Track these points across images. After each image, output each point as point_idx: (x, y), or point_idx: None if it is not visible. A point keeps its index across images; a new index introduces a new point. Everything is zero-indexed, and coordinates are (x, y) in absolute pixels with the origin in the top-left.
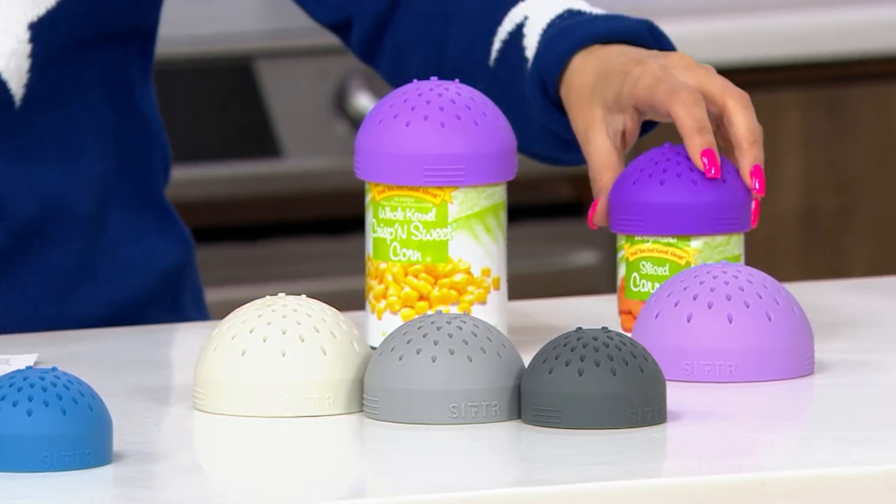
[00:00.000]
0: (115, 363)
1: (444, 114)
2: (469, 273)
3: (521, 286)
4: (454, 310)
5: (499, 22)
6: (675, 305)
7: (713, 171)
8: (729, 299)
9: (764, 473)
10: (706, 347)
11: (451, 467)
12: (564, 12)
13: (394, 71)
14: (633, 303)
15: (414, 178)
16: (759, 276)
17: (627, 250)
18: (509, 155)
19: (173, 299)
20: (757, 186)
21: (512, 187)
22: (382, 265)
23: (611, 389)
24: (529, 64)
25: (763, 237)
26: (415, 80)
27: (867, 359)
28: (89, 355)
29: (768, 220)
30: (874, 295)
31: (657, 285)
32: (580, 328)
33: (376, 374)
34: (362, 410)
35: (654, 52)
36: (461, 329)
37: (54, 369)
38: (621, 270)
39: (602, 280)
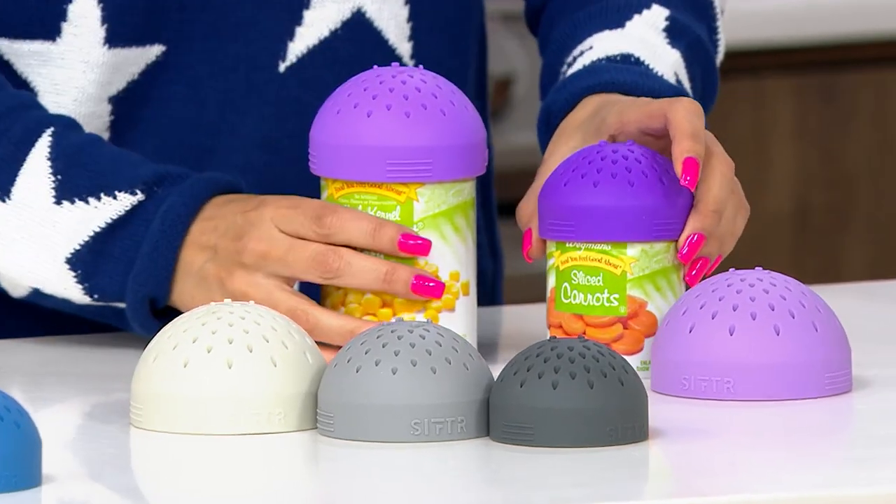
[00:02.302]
0: (44, 376)
1: (408, 103)
2: (436, 277)
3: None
4: (420, 318)
5: (580, 41)
6: (713, 318)
7: (687, 180)
8: (773, 309)
9: (749, 495)
10: (745, 362)
11: (412, 490)
12: (619, 55)
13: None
14: (564, 316)
15: (376, 174)
16: (782, 281)
17: (558, 258)
18: (479, 148)
19: None
20: (688, 179)
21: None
22: None
23: (587, 404)
24: (545, 95)
25: (750, 237)
26: (375, 66)
27: (869, 375)
28: (15, 367)
29: (757, 218)
30: (873, 301)
31: (590, 297)
32: (554, 337)
33: (331, 387)
34: (316, 427)
35: None
36: (424, 338)
37: None
38: (551, 280)
39: None
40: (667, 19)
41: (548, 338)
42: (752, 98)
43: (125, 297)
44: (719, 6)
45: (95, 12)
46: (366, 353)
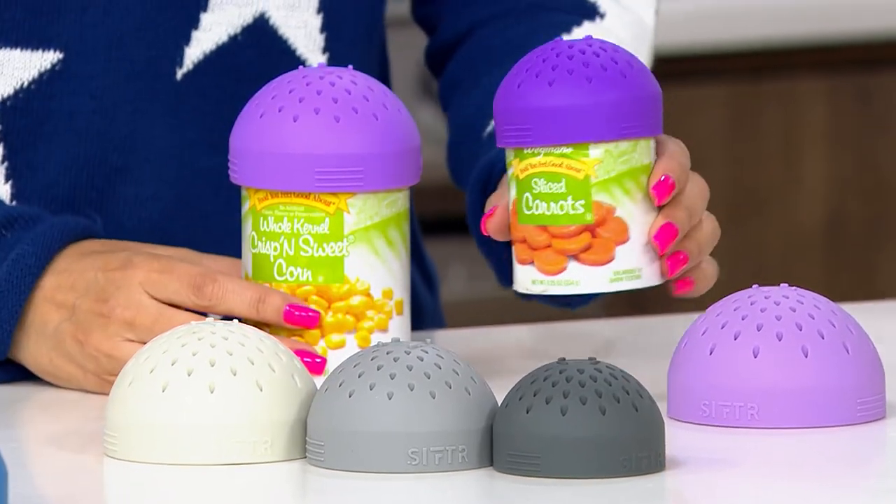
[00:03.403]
0: (11, 402)
1: (337, 106)
2: (368, 295)
3: (492, 310)
4: (350, 339)
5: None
6: (736, 338)
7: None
8: (800, 329)
9: None
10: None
11: None
12: None
13: (443, 99)
14: (528, 228)
15: (303, 183)
16: (811, 298)
17: (517, 167)
18: (414, 155)
19: None
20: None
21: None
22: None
23: (599, 431)
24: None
25: (780, 250)
26: (301, 67)
27: None
28: None
29: (786, 229)
30: None
31: (553, 205)
32: (563, 359)
33: (322, 413)
34: (305, 457)
35: None
36: (422, 360)
37: None
38: (512, 192)
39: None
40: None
41: (586, 357)
42: (783, 99)
43: None
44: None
45: None
46: (359, 376)
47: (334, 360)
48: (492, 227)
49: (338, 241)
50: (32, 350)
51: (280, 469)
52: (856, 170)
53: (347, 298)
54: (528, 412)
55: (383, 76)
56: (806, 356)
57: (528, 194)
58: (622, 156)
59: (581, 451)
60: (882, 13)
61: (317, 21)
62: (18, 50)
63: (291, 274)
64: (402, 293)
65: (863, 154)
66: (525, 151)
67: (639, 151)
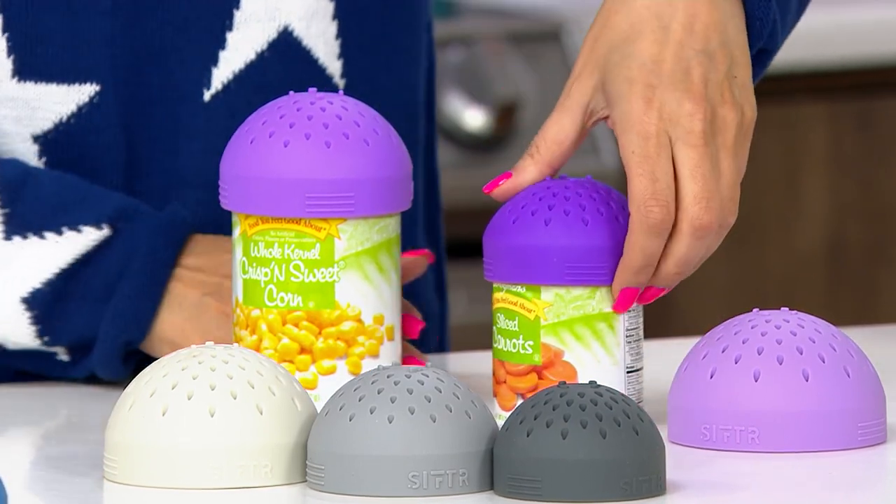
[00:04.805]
0: (10, 424)
1: (328, 132)
2: (359, 321)
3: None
4: (341, 364)
5: None
6: (737, 362)
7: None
8: (801, 353)
9: None
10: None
11: None
12: None
13: None
14: (494, 361)
15: (294, 209)
16: (811, 322)
17: (493, 299)
18: (405, 181)
19: None
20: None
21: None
22: (255, 312)
23: (600, 455)
24: None
25: (781, 274)
26: (291, 92)
27: None
28: None
29: (788, 253)
30: None
31: (508, 343)
32: (563, 382)
33: (322, 437)
34: (305, 480)
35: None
36: (423, 383)
37: None
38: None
39: None
40: None
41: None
42: (783, 124)
43: (95, 339)
44: None
45: (0, 43)
46: (359, 399)
47: (325, 385)
48: (497, 192)
49: (328, 266)
50: (164, 319)
51: (280, 493)
52: (856, 194)
53: (338, 324)
54: (528, 435)
55: (425, 79)
56: (807, 380)
57: (494, 328)
58: (574, 301)
59: (582, 475)
60: (882, 38)
61: (332, 28)
62: (55, 85)
63: (282, 300)
64: (393, 319)
65: (863, 179)
66: (495, 285)
67: (597, 299)
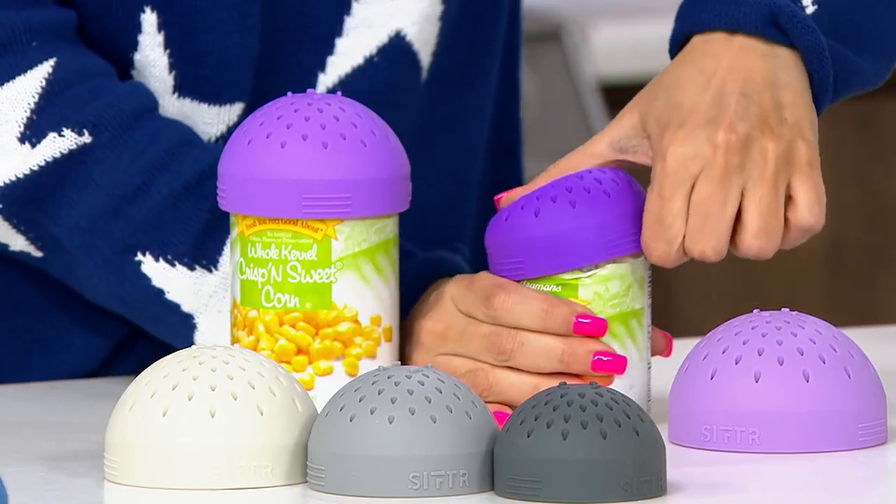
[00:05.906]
0: (10, 424)
1: (326, 133)
2: (356, 322)
3: None
4: (338, 365)
5: None
6: (737, 363)
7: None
8: (802, 354)
9: None
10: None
11: None
12: None
13: None
14: None
15: (291, 210)
16: (812, 323)
17: None
18: (402, 181)
19: None
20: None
21: None
22: (252, 313)
23: (600, 455)
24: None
25: (781, 275)
26: (289, 93)
27: None
28: None
29: (788, 256)
30: None
31: None
32: (564, 383)
33: (323, 438)
34: (306, 481)
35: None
36: (423, 384)
37: None
38: None
39: None
40: None
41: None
42: None
43: None
44: None
45: (163, 60)
46: (360, 400)
47: (322, 386)
48: (505, 197)
49: (325, 267)
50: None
51: (281, 494)
52: (857, 195)
53: (335, 325)
54: (528, 436)
55: (511, 70)
56: (807, 381)
57: None
58: (612, 299)
59: (582, 475)
60: None
61: (436, 29)
62: (206, 105)
63: (279, 300)
64: (390, 320)
65: (864, 180)
66: (526, 281)
67: (630, 296)
